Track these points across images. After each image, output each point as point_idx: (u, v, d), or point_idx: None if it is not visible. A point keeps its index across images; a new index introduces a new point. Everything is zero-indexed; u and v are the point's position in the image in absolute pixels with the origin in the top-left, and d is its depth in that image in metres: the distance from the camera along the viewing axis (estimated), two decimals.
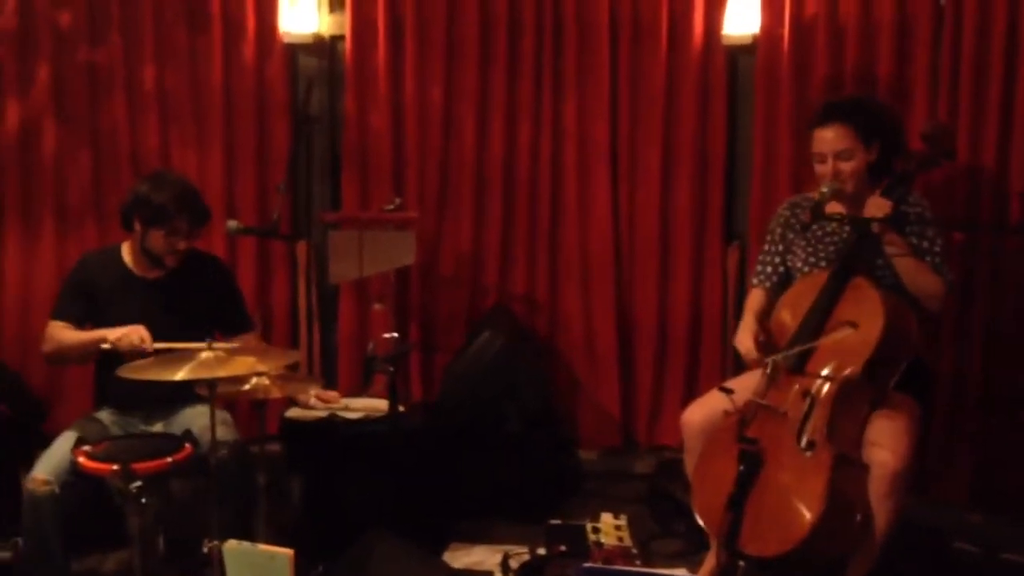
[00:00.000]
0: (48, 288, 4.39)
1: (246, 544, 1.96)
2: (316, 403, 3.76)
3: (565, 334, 4.54)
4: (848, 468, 2.83)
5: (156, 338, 3.33)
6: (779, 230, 3.43)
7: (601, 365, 4.51)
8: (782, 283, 3.37)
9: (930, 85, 3.89)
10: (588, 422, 4.54)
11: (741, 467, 2.87)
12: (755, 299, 3.42)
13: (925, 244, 3.13)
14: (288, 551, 1.92)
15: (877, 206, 3.05)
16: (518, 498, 3.98)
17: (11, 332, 4.56)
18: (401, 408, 3.66)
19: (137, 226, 3.46)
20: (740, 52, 4.31)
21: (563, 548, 3.52)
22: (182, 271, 3.54)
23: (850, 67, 4.02)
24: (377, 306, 4.22)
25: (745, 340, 3.20)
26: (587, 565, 2.63)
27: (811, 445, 2.85)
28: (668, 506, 3.86)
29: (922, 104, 3.89)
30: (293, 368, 3.63)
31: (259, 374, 3.28)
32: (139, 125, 4.49)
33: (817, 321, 3.01)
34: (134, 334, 3.33)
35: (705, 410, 3.20)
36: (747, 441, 2.89)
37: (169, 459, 3.11)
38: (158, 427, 3.52)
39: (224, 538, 3.06)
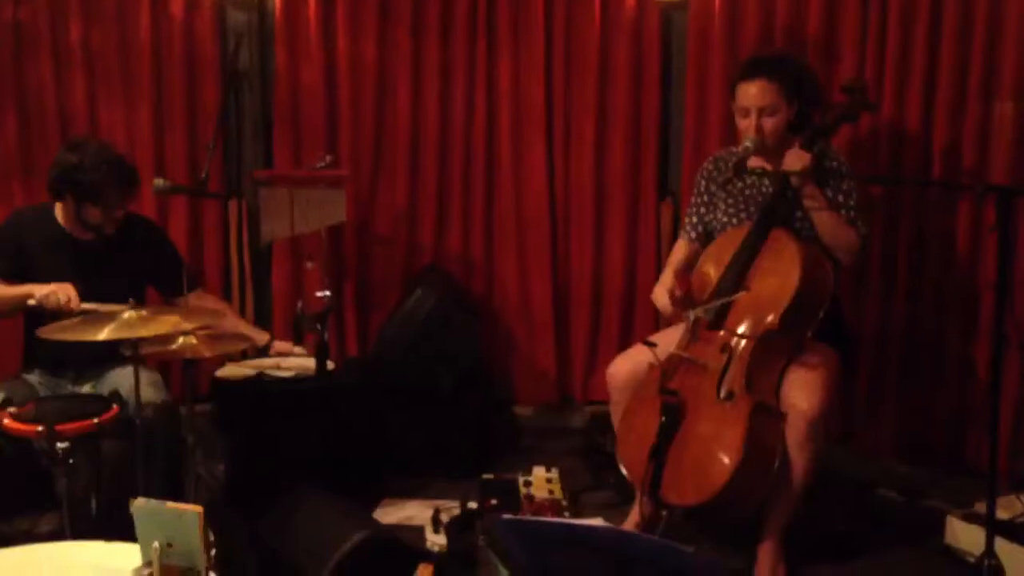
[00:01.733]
0: None
1: (153, 502, 1.94)
2: (273, 353, 3.75)
3: (501, 293, 4.56)
4: (765, 416, 2.88)
5: (86, 299, 3.28)
6: (703, 183, 3.45)
7: (537, 323, 4.53)
8: (707, 236, 3.39)
9: (858, 42, 3.90)
10: (524, 379, 4.57)
11: (662, 418, 2.92)
12: (678, 251, 3.46)
13: (841, 198, 3.17)
14: (197, 508, 1.90)
15: (796, 157, 3.08)
16: (452, 455, 4.00)
17: None
18: (331, 366, 3.65)
19: (69, 199, 3.41)
20: (673, 10, 4.32)
21: (494, 502, 3.56)
22: (119, 236, 3.50)
23: (780, 25, 4.02)
24: (309, 264, 4.19)
25: (660, 296, 3.23)
26: (506, 516, 2.65)
27: (730, 395, 2.89)
28: (600, 459, 3.90)
29: (850, 60, 3.90)
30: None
31: (183, 333, 3.27)
32: (65, 83, 4.39)
33: (737, 274, 3.05)
34: (61, 292, 3.28)
35: (630, 363, 3.23)
36: (668, 393, 2.95)
37: (95, 420, 3.09)
38: (87, 388, 3.49)
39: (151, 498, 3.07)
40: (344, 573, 2.66)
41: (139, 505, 1.91)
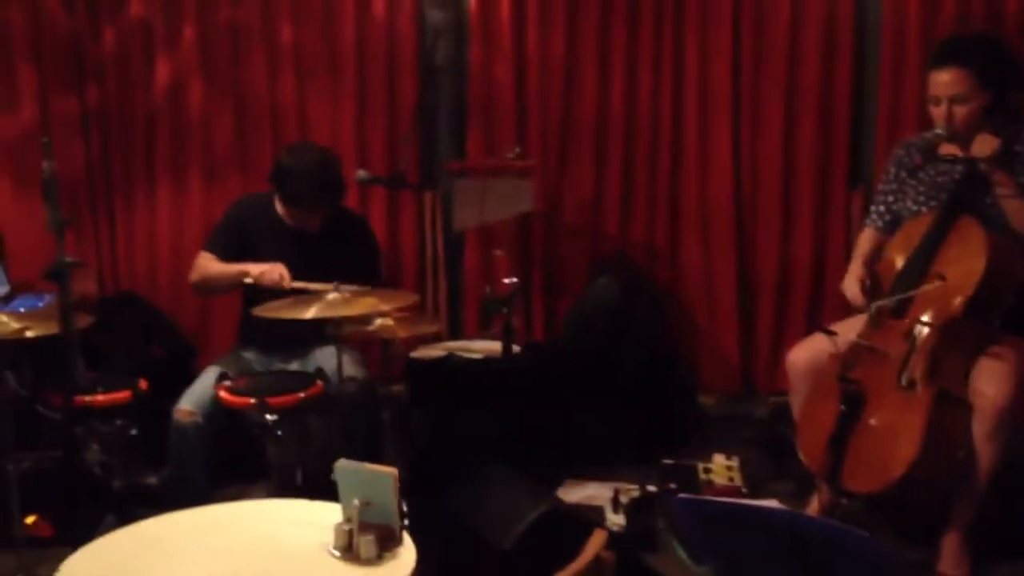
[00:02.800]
0: (196, 237, 4.67)
1: (354, 463, 2.13)
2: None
3: (685, 281, 4.59)
4: (949, 405, 2.84)
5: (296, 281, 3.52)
6: (893, 170, 3.39)
7: (721, 311, 4.55)
8: (895, 224, 3.34)
9: None
10: (708, 367, 4.59)
11: (842, 406, 2.92)
12: (865, 240, 3.42)
13: None
14: (392, 470, 2.07)
15: (985, 143, 3.00)
16: (634, 441, 4.06)
17: (164, 279, 4.88)
18: (517, 349, 3.80)
19: (279, 198, 3.68)
20: None
21: (673, 486, 3.63)
22: (330, 226, 3.73)
23: (979, 5, 3.90)
24: (498, 252, 4.36)
25: (851, 286, 3.21)
26: (683, 495, 2.71)
27: (912, 384, 2.87)
28: (781, 449, 3.89)
29: None
30: (420, 309, 3.82)
31: (381, 314, 3.49)
32: (277, 81, 4.71)
33: (923, 262, 3.01)
34: (275, 271, 3.53)
35: (809, 352, 3.23)
36: (848, 381, 2.94)
37: (301, 394, 3.35)
38: (295, 366, 3.74)
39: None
40: (527, 543, 2.78)
41: (341, 465, 2.10)
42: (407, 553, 2.04)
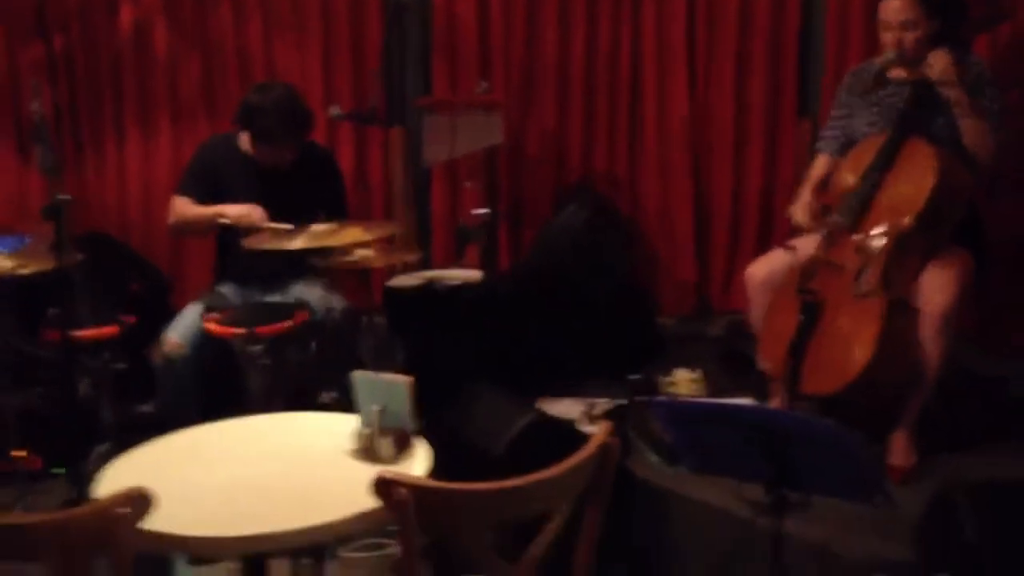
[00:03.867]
0: (166, 178, 4.78)
1: (370, 373, 2.30)
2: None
3: (644, 207, 4.80)
4: (900, 311, 3.09)
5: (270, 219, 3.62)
6: (844, 95, 3.59)
7: (678, 239, 4.77)
8: (846, 147, 3.54)
9: None
10: (666, 291, 4.82)
11: (802, 316, 3.14)
12: (817, 164, 3.63)
13: (984, 103, 3.26)
14: (408, 378, 2.25)
15: (935, 58, 3.20)
16: (602, 358, 4.24)
17: (135, 219, 4.98)
18: (491, 274, 3.98)
19: (249, 134, 3.75)
20: None
21: (641, 398, 3.86)
22: (299, 163, 3.81)
23: None
24: (468, 184, 4.51)
25: (797, 211, 3.44)
26: (662, 399, 2.93)
27: (866, 293, 3.10)
28: (738, 361, 4.13)
29: None
30: (391, 240, 3.96)
31: (366, 244, 3.64)
32: (243, 23, 4.79)
33: (875, 178, 3.23)
34: (254, 213, 3.62)
35: (767, 265, 3.46)
36: (807, 292, 3.16)
37: (288, 323, 3.49)
38: (274, 299, 3.85)
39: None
40: (518, 449, 3.00)
41: (358, 375, 2.28)
42: (422, 453, 2.23)
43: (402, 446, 2.23)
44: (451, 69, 4.75)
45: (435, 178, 4.86)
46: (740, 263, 4.66)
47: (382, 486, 1.74)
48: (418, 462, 2.20)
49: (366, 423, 2.24)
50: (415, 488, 1.74)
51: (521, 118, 4.75)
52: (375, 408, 2.21)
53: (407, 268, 4.50)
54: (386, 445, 2.20)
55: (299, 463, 2.23)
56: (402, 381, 2.24)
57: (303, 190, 3.78)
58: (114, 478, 2.13)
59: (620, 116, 4.73)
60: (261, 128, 3.67)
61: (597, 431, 1.93)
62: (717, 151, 4.69)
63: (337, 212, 3.77)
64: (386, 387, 2.25)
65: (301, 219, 3.51)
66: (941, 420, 3.37)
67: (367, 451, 2.22)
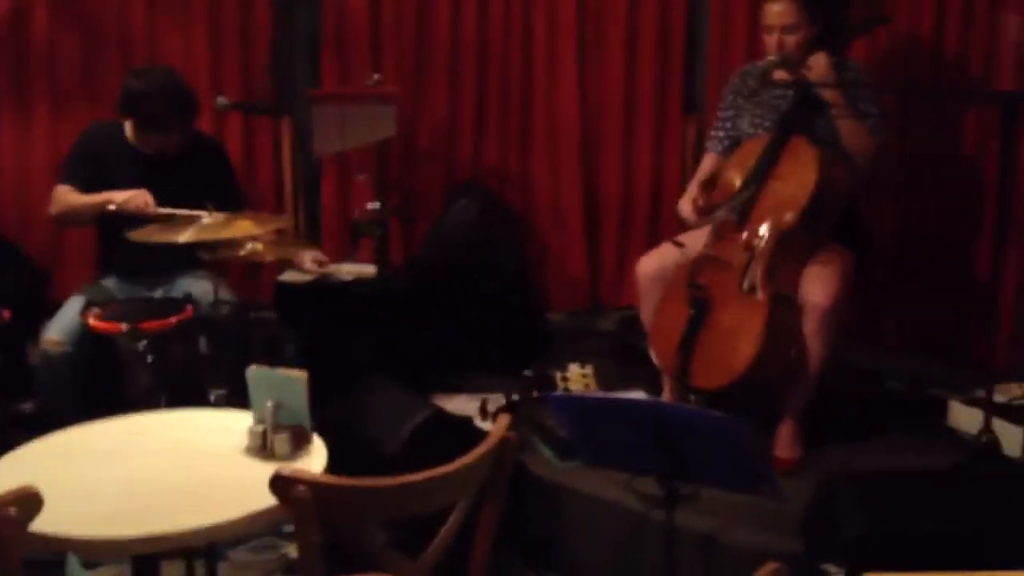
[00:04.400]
0: (44, 166, 4.60)
1: (265, 368, 2.27)
2: (311, 266, 4.00)
3: (535, 203, 4.83)
4: (784, 307, 3.19)
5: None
6: (730, 97, 3.70)
7: (568, 231, 4.81)
8: (732, 147, 3.64)
9: None
10: (558, 285, 4.86)
11: (691, 311, 3.23)
12: (706, 163, 3.73)
13: (862, 105, 3.39)
14: (303, 373, 2.22)
15: (814, 61, 3.31)
16: (495, 354, 4.26)
17: (8, 207, 4.78)
18: (384, 269, 3.96)
19: (133, 122, 3.65)
20: None
21: (535, 394, 3.89)
22: (186, 151, 3.73)
23: None
24: (360, 176, 4.47)
25: (684, 207, 3.52)
26: (557, 394, 2.95)
27: (752, 288, 3.19)
28: (630, 356, 4.20)
29: None
30: (284, 232, 3.90)
31: (254, 237, 3.57)
32: (126, 9, 4.64)
33: (760, 177, 3.32)
34: (139, 197, 3.51)
35: (657, 260, 3.53)
36: (696, 287, 3.25)
37: (174, 318, 3.39)
38: (159, 293, 3.75)
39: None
40: (412, 446, 2.99)
41: (253, 371, 2.24)
42: (319, 449, 2.21)
43: (298, 443, 2.21)
44: (341, 60, 4.69)
45: (326, 171, 4.80)
46: (631, 258, 4.71)
47: (280, 484, 1.72)
48: (315, 459, 2.18)
49: (260, 419, 2.21)
50: (313, 485, 1.72)
51: (413, 111, 4.72)
52: (270, 404, 2.18)
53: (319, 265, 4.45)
54: (281, 442, 2.17)
55: (192, 461, 2.19)
56: (298, 376, 2.21)
57: (191, 179, 3.69)
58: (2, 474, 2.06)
59: (511, 110, 4.75)
60: (145, 114, 3.58)
61: (495, 427, 1.94)
62: (606, 147, 4.75)
63: (230, 201, 3.69)
64: (281, 382, 2.22)
65: (190, 208, 3.43)
66: (825, 413, 3.50)
67: (262, 448, 2.19)
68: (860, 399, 3.88)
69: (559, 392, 3.91)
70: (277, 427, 2.19)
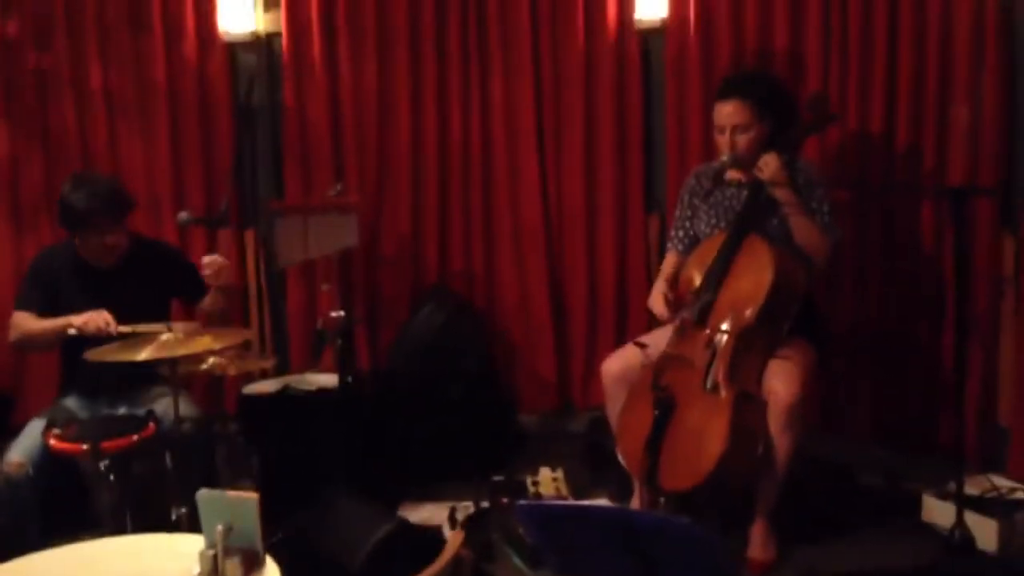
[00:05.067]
0: (6, 284, 4.59)
1: (216, 491, 2.23)
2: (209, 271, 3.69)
3: (502, 306, 4.82)
4: (748, 404, 3.18)
5: (119, 322, 3.47)
6: (687, 197, 3.74)
7: (537, 333, 4.80)
8: (692, 245, 3.67)
9: (822, 56, 4.17)
10: (527, 387, 4.82)
11: (656, 412, 3.21)
12: (668, 262, 3.75)
13: (814, 204, 3.44)
14: (254, 495, 2.18)
15: (765, 162, 3.35)
16: (464, 460, 4.22)
17: None
18: (349, 379, 3.93)
19: (71, 231, 3.61)
20: (651, 35, 4.59)
21: (505, 500, 3.83)
22: (133, 258, 3.69)
23: (751, 44, 4.30)
24: (325, 286, 4.45)
25: (656, 303, 3.53)
26: (523, 502, 2.90)
27: (715, 387, 3.18)
28: (600, 458, 4.16)
29: (816, 72, 4.18)
30: (246, 346, 3.87)
31: (215, 352, 3.55)
32: (88, 124, 4.70)
33: (718, 276, 3.35)
34: (99, 318, 3.46)
35: (621, 361, 3.53)
36: (660, 388, 3.23)
37: (135, 436, 3.33)
38: (123, 410, 3.69)
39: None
40: (375, 563, 2.93)
41: (203, 494, 2.20)
42: (271, 571, 2.16)
43: (250, 567, 2.15)
44: (304, 170, 4.73)
45: (291, 281, 4.80)
46: (600, 357, 4.66)
47: None
48: None
49: (211, 544, 2.15)
50: None
51: (376, 219, 4.75)
52: (220, 527, 2.13)
53: (263, 374, 4.41)
54: (232, 567, 2.12)
55: None
56: (249, 498, 2.17)
57: (146, 284, 3.67)
58: None
59: (475, 213, 4.78)
60: (77, 215, 3.53)
61: (448, 544, 1.90)
62: (570, 248, 4.77)
63: (193, 289, 3.72)
64: (232, 505, 2.18)
65: (153, 316, 3.42)
66: (798, 509, 3.46)
67: (213, 573, 2.13)
68: (834, 495, 3.85)
69: (526, 499, 3.86)
70: (228, 550, 2.13)
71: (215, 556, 2.14)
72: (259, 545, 2.18)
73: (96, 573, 2.21)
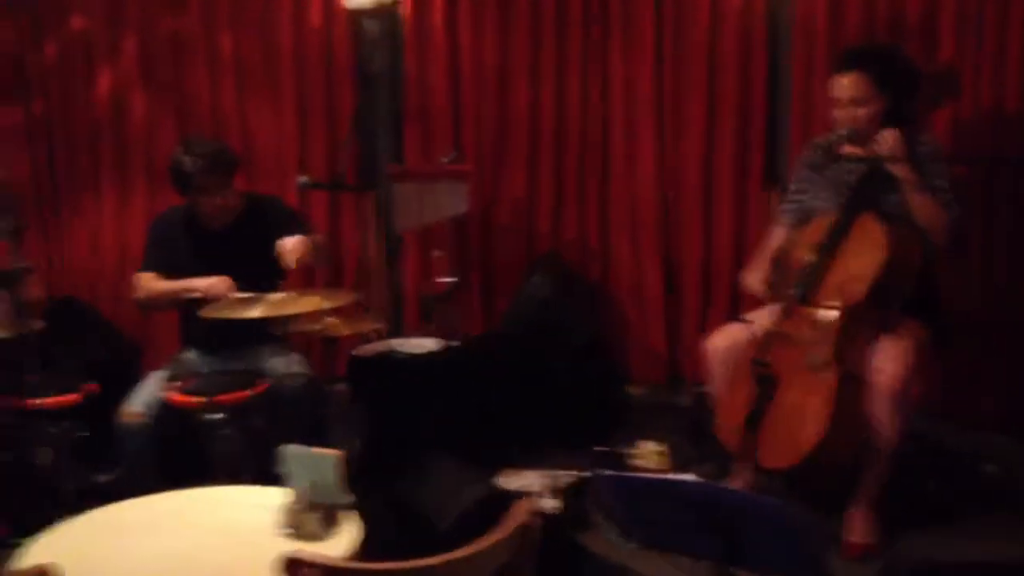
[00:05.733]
0: (140, 245, 4.77)
1: (301, 447, 2.30)
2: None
3: (615, 278, 4.81)
4: (853, 385, 3.08)
5: (238, 282, 3.55)
6: (803, 171, 3.63)
7: (649, 306, 4.77)
8: (803, 220, 3.55)
9: (955, 26, 4.00)
10: (636, 359, 4.81)
11: (757, 389, 3.15)
12: (774, 238, 3.64)
13: (937, 181, 3.28)
14: (336, 452, 2.24)
15: (884, 137, 3.23)
16: (569, 428, 4.23)
17: (106, 285, 4.99)
18: (456, 343, 3.97)
19: (183, 194, 3.70)
20: (778, 5, 4.47)
21: (605, 471, 3.82)
22: (247, 217, 3.76)
23: (882, 16, 4.14)
24: (437, 253, 4.52)
25: (751, 281, 3.47)
26: (607, 472, 2.90)
27: (820, 366, 3.09)
28: (704, 433, 4.10)
29: (949, 47, 4.00)
30: (362, 308, 3.95)
31: (326, 312, 3.62)
32: (219, 90, 4.85)
33: (828, 255, 3.24)
34: (222, 284, 3.54)
35: (726, 339, 3.45)
36: (762, 365, 3.17)
37: (248, 392, 3.46)
38: (239, 366, 3.78)
39: None
40: (465, 524, 2.96)
41: (288, 450, 2.27)
42: (352, 528, 2.21)
43: (330, 522, 2.21)
44: (423, 137, 4.79)
45: (408, 246, 4.87)
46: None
47: (290, 566, 1.72)
48: (345, 538, 2.17)
49: (295, 498, 2.22)
50: (324, 568, 1.72)
51: (492, 187, 4.78)
52: (304, 483, 2.19)
53: (377, 336, 4.50)
54: (313, 521, 2.18)
55: (228, 538, 2.22)
56: (331, 455, 2.22)
57: (261, 244, 3.66)
58: (42, 549, 2.12)
59: (590, 184, 4.76)
60: (182, 178, 3.63)
61: (515, 512, 1.91)
62: (686, 220, 4.71)
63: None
64: (315, 461, 2.24)
65: (266, 275, 3.49)
66: (913, 497, 3.35)
67: (295, 527, 2.20)
68: (950, 483, 3.71)
69: (610, 472, 3.84)
70: (310, 506, 2.19)
71: (297, 510, 2.20)
72: (341, 502, 2.23)
73: (185, 520, 2.31)
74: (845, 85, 3.34)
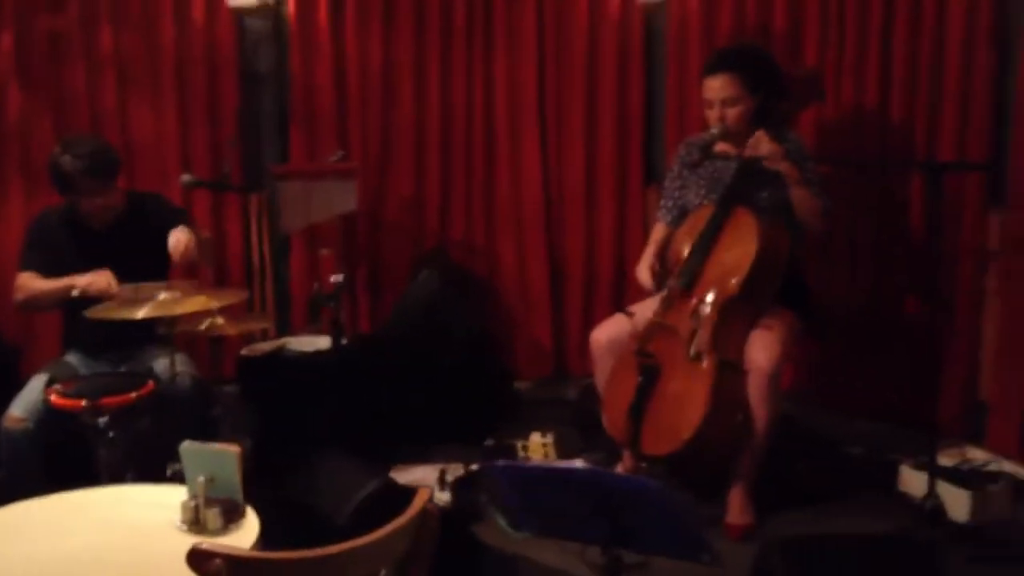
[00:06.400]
0: (16, 246, 4.66)
1: (199, 443, 2.31)
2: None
3: (501, 275, 4.92)
4: (730, 373, 3.24)
5: (121, 281, 3.50)
6: (677, 168, 3.79)
7: (534, 302, 4.89)
8: (680, 216, 3.72)
9: (819, 32, 4.22)
10: (523, 354, 4.92)
11: (640, 378, 3.28)
12: (656, 232, 3.80)
13: (807, 175, 3.47)
14: (235, 447, 2.25)
15: (757, 139, 3.39)
16: (457, 424, 4.29)
17: None
18: (344, 341, 4.01)
19: (63, 193, 3.63)
20: (653, 10, 4.66)
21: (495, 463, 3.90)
22: (130, 215, 3.72)
23: (751, 22, 4.34)
24: (324, 251, 4.54)
25: (643, 273, 3.60)
26: (499, 463, 2.97)
27: (698, 355, 3.24)
28: (591, 424, 4.22)
29: (812, 49, 4.23)
30: (243, 305, 3.93)
31: (213, 312, 3.61)
32: (97, 87, 4.75)
33: (705, 246, 3.40)
34: (102, 279, 3.50)
35: (609, 331, 3.59)
36: (645, 355, 3.30)
37: (133, 394, 3.38)
38: (123, 367, 3.74)
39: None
40: (362, 517, 3.01)
41: (186, 446, 2.28)
42: (251, 523, 2.24)
43: (230, 517, 2.23)
44: (308, 136, 4.80)
45: (294, 245, 4.88)
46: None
47: (196, 558, 1.75)
48: (246, 532, 2.20)
49: (192, 494, 2.24)
50: (229, 559, 1.75)
51: (379, 185, 4.82)
52: (201, 479, 2.21)
53: (264, 336, 4.50)
54: (212, 517, 2.20)
55: (126, 536, 2.21)
56: (230, 451, 2.25)
57: (145, 240, 3.66)
58: None
59: (476, 183, 4.86)
60: (62, 179, 3.56)
61: (415, 500, 1.97)
62: (570, 217, 4.85)
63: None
64: (214, 456, 2.26)
65: (151, 273, 3.46)
66: (783, 479, 3.52)
67: (194, 523, 2.22)
68: (816, 465, 3.90)
69: (501, 462, 3.92)
70: (209, 501, 2.22)
71: (196, 506, 2.22)
72: (240, 496, 2.26)
73: (82, 520, 2.29)
74: (715, 86, 3.51)
